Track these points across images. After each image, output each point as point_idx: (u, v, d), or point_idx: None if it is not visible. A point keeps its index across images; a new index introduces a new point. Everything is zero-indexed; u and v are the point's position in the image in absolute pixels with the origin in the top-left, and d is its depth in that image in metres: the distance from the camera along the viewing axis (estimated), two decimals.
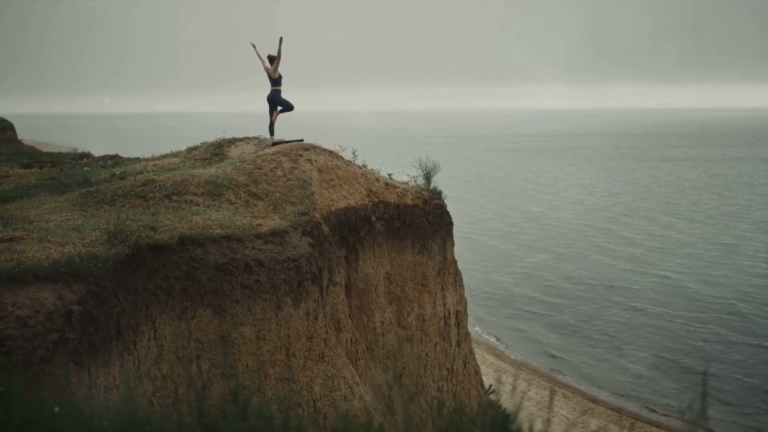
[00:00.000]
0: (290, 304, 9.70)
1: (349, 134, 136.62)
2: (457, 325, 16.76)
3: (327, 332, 10.71)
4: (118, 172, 12.51)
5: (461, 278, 17.33)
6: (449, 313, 16.38)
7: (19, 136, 68.70)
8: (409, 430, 2.87)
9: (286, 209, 11.09)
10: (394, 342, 14.17)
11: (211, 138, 15.97)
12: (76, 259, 6.85)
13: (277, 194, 11.62)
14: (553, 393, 25.51)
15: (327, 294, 11.48)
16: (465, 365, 16.91)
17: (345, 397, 10.47)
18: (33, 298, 6.12)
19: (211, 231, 9.10)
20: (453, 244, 16.99)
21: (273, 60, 13.94)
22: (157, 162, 14.32)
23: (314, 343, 10.18)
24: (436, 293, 15.87)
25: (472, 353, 17.70)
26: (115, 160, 19.16)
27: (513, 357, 31.00)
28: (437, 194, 16.52)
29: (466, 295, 17.64)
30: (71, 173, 12.91)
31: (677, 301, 37.00)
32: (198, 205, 10.39)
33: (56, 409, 2.75)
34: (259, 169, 12.25)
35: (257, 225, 9.95)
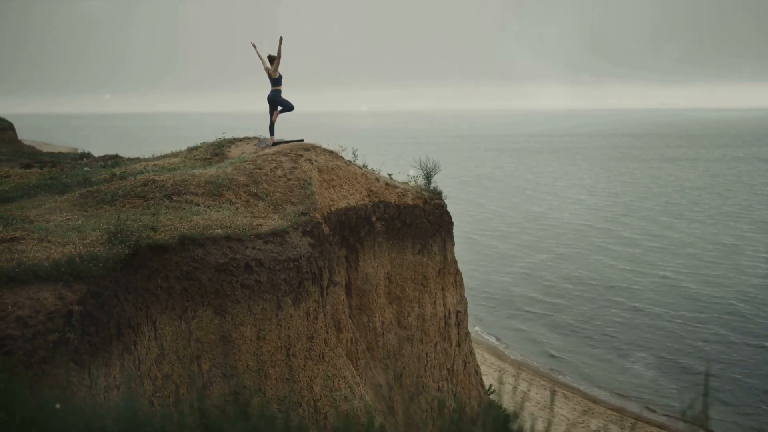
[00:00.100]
0: (290, 304, 9.70)
1: (349, 134, 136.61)
2: (458, 325, 16.77)
3: (327, 332, 10.72)
4: (118, 172, 12.51)
5: (461, 278, 17.33)
6: (449, 313, 16.38)
7: (19, 136, 68.73)
8: (410, 430, 2.87)
9: (287, 209, 11.09)
10: (394, 342, 14.17)
11: (211, 138, 15.96)
12: (77, 259, 6.85)
13: (278, 194, 11.62)
14: (554, 393, 25.51)
15: (327, 294, 11.48)
16: (465, 365, 16.91)
17: (345, 397, 10.47)
18: (33, 298, 6.12)
19: (211, 231, 9.10)
20: (453, 244, 16.99)
21: (273, 60, 13.93)
22: (157, 162, 14.32)
23: (314, 343, 10.18)
24: (436, 293, 15.87)
25: (472, 353, 17.71)
26: (115, 160, 19.17)
27: (513, 357, 31.00)
28: (437, 194, 16.53)
29: (465, 295, 17.65)
30: (71, 173, 12.91)
31: (677, 301, 37.01)
32: (198, 205, 10.39)
33: (57, 406, 2.75)
34: (260, 169, 12.25)
35: (257, 225, 9.95)
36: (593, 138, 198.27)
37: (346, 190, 13.75)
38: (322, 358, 10.34)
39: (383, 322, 14.11)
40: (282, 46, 13.88)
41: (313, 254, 10.52)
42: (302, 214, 11.05)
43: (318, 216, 11.63)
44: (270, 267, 9.41)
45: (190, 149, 15.40)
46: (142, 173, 12.03)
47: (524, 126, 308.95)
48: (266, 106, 14.46)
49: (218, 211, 10.25)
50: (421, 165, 16.68)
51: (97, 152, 41.11)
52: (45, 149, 66.52)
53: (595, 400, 26.31)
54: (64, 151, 64.27)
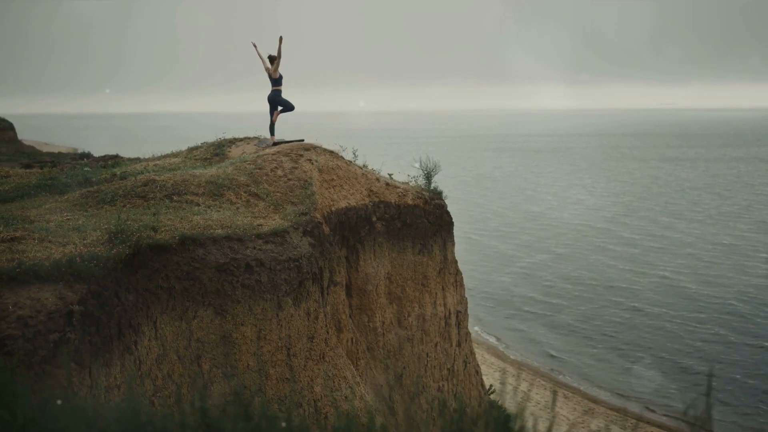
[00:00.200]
0: (291, 304, 9.70)
1: (349, 134, 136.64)
2: (458, 325, 16.77)
3: (328, 332, 10.72)
4: (118, 172, 12.50)
5: (462, 278, 17.34)
6: (450, 313, 16.38)
7: (19, 136, 68.79)
8: (410, 431, 2.87)
9: (287, 209, 11.09)
10: (394, 342, 14.17)
11: (211, 138, 15.96)
12: (77, 259, 6.85)
13: (278, 194, 11.62)
14: (555, 393, 25.52)
15: (328, 294, 11.48)
16: (465, 365, 16.91)
17: (346, 397, 10.48)
18: (34, 298, 6.12)
19: (212, 231, 9.11)
20: (453, 244, 16.99)
21: (273, 60, 13.91)
22: (157, 162, 14.31)
23: (315, 343, 10.18)
24: (436, 293, 15.88)
25: (472, 353, 17.71)
26: (116, 160, 19.17)
27: (513, 357, 31.01)
28: (438, 194, 16.53)
29: (465, 295, 17.65)
30: (71, 173, 12.91)
31: (677, 301, 37.01)
32: (199, 205, 10.39)
33: (59, 402, 2.75)
34: (260, 169, 12.26)
35: (258, 225, 9.95)
36: (593, 138, 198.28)
37: (346, 190, 13.75)
38: (323, 358, 10.35)
39: (383, 322, 14.11)
40: (282, 45, 13.86)
41: (313, 254, 10.52)
42: (303, 214, 11.06)
43: (318, 216, 11.63)
44: (270, 267, 9.41)
45: (191, 149, 15.40)
46: (143, 173, 12.03)
47: (524, 126, 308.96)
48: (266, 106, 14.46)
49: (219, 211, 10.25)
50: (421, 165, 16.68)
51: (97, 152, 41.13)
52: (45, 149, 66.58)
53: (595, 400, 26.32)
54: (64, 151, 64.32)
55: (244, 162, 12.65)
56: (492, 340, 33.11)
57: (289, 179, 12.21)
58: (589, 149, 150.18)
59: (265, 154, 13.18)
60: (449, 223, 16.67)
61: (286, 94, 14.33)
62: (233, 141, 15.35)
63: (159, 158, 15.24)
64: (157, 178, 11.05)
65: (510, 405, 14.66)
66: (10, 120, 68.25)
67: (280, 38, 13.90)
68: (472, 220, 57.16)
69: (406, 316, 14.87)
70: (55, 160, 34.20)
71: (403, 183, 16.17)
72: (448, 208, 16.84)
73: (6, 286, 6.19)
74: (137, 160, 16.57)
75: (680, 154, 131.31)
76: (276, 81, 14.04)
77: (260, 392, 8.83)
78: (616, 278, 41.60)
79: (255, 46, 14.02)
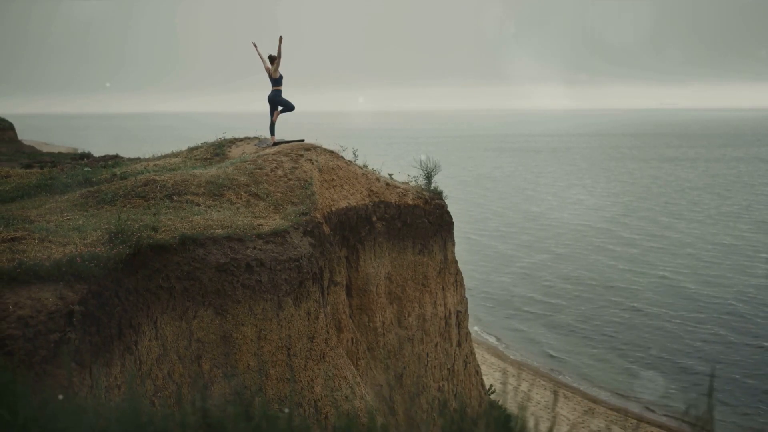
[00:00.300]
0: (291, 304, 9.70)
1: (349, 134, 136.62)
2: (458, 325, 16.77)
3: (328, 332, 10.72)
4: (119, 172, 12.50)
5: (462, 278, 17.34)
6: (450, 313, 16.39)
7: (19, 136, 68.79)
8: (411, 430, 2.87)
9: (287, 209, 11.09)
10: (394, 342, 14.17)
11: (211, 138, 15.96)
12: (78, 259, 6.85)
13: (278, 194, 11.63)
14: (556, 394, 25.53)
15: (328, 294, 11.49)
16: (466, 365, 16.91)
17: (346, 397, 10.48)
18: (34, 298, 6.12)
19: (212, 231, 9.11)
20: (453, 244, 16.99)
21: (274, 60, 13.91)
22: (157, 162, 14.31)
23: (315, 343, 10.18)
24: (436, 293, 15.88)
25: (472, 353, 17.71)
26: (116, 160, 19.16)
27: (513, 357, 31.01)
28: (438, 194, 16.53)
29: (465, 295, 17.66)
30: (72, 173, 12.91)
31: (676, 301, 37.02)
32: (199, 205, 10.39)
33: (60, 397, 2.76)
34: (260, 169, 12.26)
35: (258, 225, 9.96)
36: (593, 138, 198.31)
37: (346, 190, 13.76)
38: (323, 358, 10.35)
39: (384, 322, 14.12)
40: (282, 45, 13.86)
41: (313, 254, 10.52)
42: (303, 214, 11.06)
43: (319, 216, 11.63)
44: (271, 267, 9.42)
45: (191, 149, 15.40)
46: (143, 173, 12.03)
47: (524, 126, 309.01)
48: (266, 106, 14.45)
49: (219, 211, 10.25)
50: (421, 165, 16.68)
51: (97, 152, 41.10)
52: (45, 149, 66.59)
53: (595, 400, 26.32)
54: (64, 151, 64.32)
55: (245, 162, 12.65)
56: (492, 340, 33.11)
57: (290, 179, 12.22)
58: (589, 149, 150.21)
59: (266, 154, 13.18)
60: (449, 223, 16.67)
61: (286, 94, 14.33)
62: (233, 141, 15.35)
63: (159, 158, 15.24)
64: (157, 178, 11.05)
65: (510, 405, 14.67)
66: (10, 120, 68.26)
67: (280, 38, 13.89)
68: (472, 220, 57.16)
69: (407, 316, 14.87)
70: (55, 160, 34.20)
71: (403, 183, 16.16)
72: (449, 208, 16.84)
73: (6, 286, 6.19)
74: (137, 160, 16.57)
75: (680, 154, 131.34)
76: (276, 81, 14.04)
77: (260, 392, 8.84)
78: (615, 278, 41.61)
79: (255, 45, 14.02)
